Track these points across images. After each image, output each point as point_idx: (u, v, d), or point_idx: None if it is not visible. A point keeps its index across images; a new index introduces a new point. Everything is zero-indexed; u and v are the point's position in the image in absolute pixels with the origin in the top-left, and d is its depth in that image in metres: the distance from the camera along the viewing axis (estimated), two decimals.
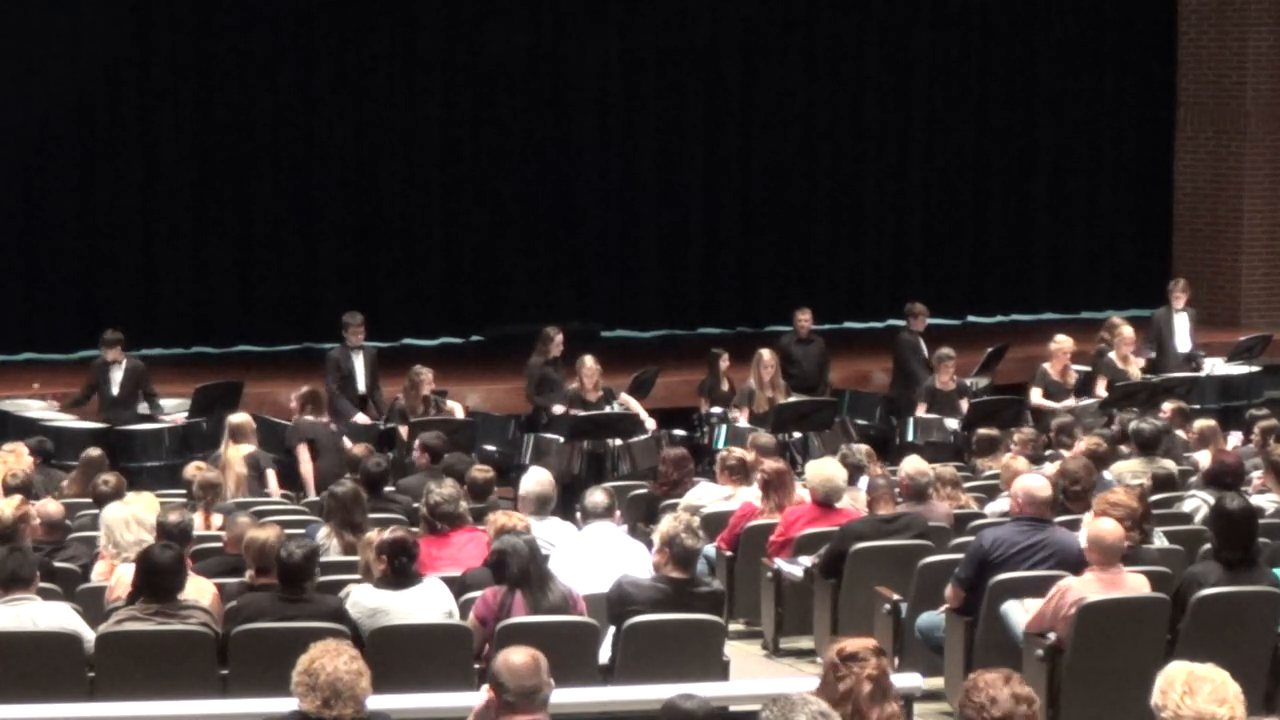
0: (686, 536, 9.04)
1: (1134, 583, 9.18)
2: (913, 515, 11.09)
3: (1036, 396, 17.29)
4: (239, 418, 14.25)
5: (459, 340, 21.40)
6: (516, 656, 6.33)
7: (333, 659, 6.35)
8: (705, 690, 6.67)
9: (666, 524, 9.20)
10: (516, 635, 7.87)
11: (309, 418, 15.15)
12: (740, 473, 12.73)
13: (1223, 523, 9.44)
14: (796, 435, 16.76)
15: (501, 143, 21.52)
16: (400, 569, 8.94)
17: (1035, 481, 10.02)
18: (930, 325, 19.00)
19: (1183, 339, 18.70)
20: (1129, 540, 9.67)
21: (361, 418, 16.47)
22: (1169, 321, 18.73)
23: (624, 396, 16.84)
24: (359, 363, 16.82)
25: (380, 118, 21.05)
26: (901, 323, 19.22)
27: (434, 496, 10.30)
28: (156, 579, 8.52)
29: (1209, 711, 5.40)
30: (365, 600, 8.90)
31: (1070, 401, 17.10)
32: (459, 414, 16.32)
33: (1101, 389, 17.36)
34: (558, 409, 16.49)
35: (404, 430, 15.83)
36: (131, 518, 9.84)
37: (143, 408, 16.56)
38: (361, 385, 16.76)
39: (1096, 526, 9.26)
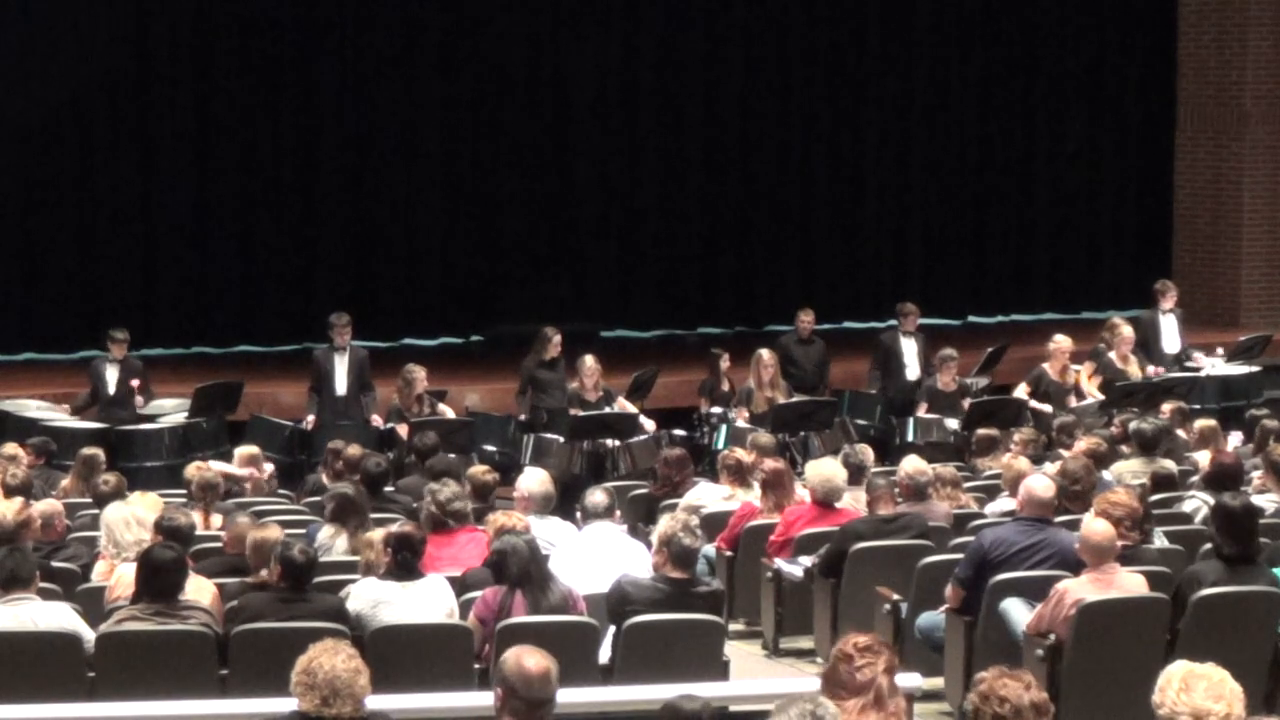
0: (684, 536, 9.04)
1: (1130, 582, 9.18)
2: (913, 515, 11.09)
3: (1021, 392, 17.23)
4: (248, 450, 13.94)
5: (458, 340, 21.39)
6: (532, 663, 6.03)
7: (330, 657, 6.35)
8: (705, 690, 6.67)
9: (665, 524, 9.22)
10: (516, 635, 7.87)
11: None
12: (739, 474, 12.73)
13: (1223, 519, 9.44)
14: (797, 435, 16.76)
15: (501, 143, 21.52)
16: (404, 563, 9.00)
17: (1039, 482, 10.02)
18: (930, 325, 19.00)
19: (1170, 340, 18.69)
20: (1129, 540, 9.68)
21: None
22: (1154, 324, 18.72)
23: (620, 400, 16.80)
24: (341, 365, 16.64)
25: (380, 117, 21.05)
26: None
27: (443, 494, 10.31)
28: (158, 579, 8.52)
29: (1205, 707, 5.41)
30: (367, 592, 8.93)
31: (1072, 401, 17.12)
32: (450, 416, 16.28)
33: (1094, 388, 17.38)
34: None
35: (403, 430, 15.81)
36: (132, 517, 9.84)
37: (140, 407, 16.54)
38: (341, 388, 16.56)
39: (1087, 527, 9.29)
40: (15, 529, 10.03)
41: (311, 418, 16.44)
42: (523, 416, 16.77)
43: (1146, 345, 18.48)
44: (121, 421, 16.15)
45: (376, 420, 16.36)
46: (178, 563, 8.63)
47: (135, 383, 16.29)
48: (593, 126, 21.99)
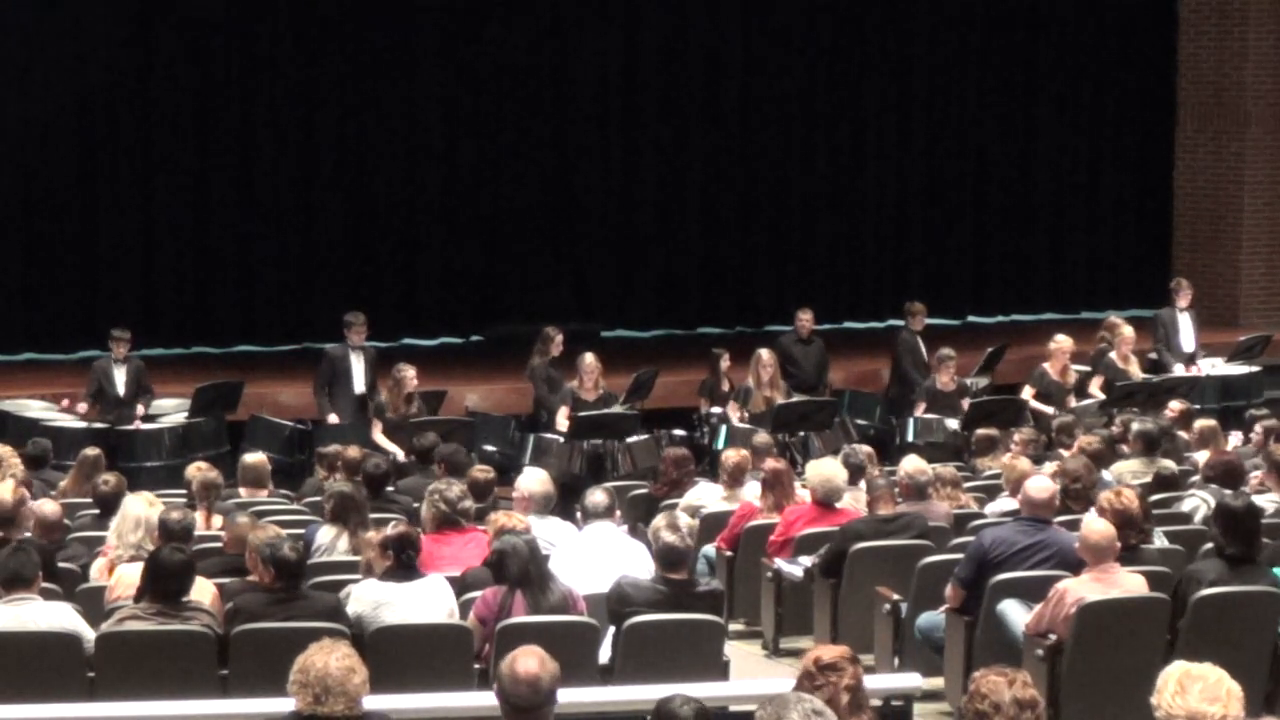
0: (666, 533, 8.99)
1: (1131, 581, 9.18)
2: (913, 515, 11.09)
3: (1027, 394, 17.25)
4: (254, 458, 13.79)
5: (459, 340, 21.39)
6: (521, 668, 5.93)
7: (324, 656, 6.35)
8: (705, 690, 6.67)
9: (653, 523, 9.23)
10: (516, 635, 7.87)
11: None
12: (737, 477, 12.71)
13: (1226, 519, 9.44)
14: (797, 435, 16.75)
15: (501, 143, 21.51)
16: (405, 563, 8.99)
17: (1038, 483, 10.02)
18: (930, 325, 19.02)
19: (1188, 338, 18.73)
20: (1129, 540, 9.67)
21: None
22: (1174, 321, 18.75)
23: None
24: (358, 363, 16.78)
25: (380, 117, 21.04)
26: (901, 323, 19.23)
27: (452, 492, 10.31)
28: (165, 582, 8.52)
29: (1201, 710, 5.40)
30: (368, 593, 8.92)
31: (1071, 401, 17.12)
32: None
33: (1096, 388, 17.39)
34: (562, 417, 16.36)
35: (378, 428, 15.88)
36: (144, 520, 9.80)
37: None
38: (360, 385, 16.71)
39: (1086, 526, 9.29)
40: (14, 509, 10.02)
41: (334, 416, 16.46)
42: (564, 415, 16.57)
43: (1168, 342, 18.55)
44: (128, 421, 16.15)
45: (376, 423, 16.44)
46: (186, 566, 8.62)
47: (140, 412, 16.30)
48: (593, 126, 21.99)
